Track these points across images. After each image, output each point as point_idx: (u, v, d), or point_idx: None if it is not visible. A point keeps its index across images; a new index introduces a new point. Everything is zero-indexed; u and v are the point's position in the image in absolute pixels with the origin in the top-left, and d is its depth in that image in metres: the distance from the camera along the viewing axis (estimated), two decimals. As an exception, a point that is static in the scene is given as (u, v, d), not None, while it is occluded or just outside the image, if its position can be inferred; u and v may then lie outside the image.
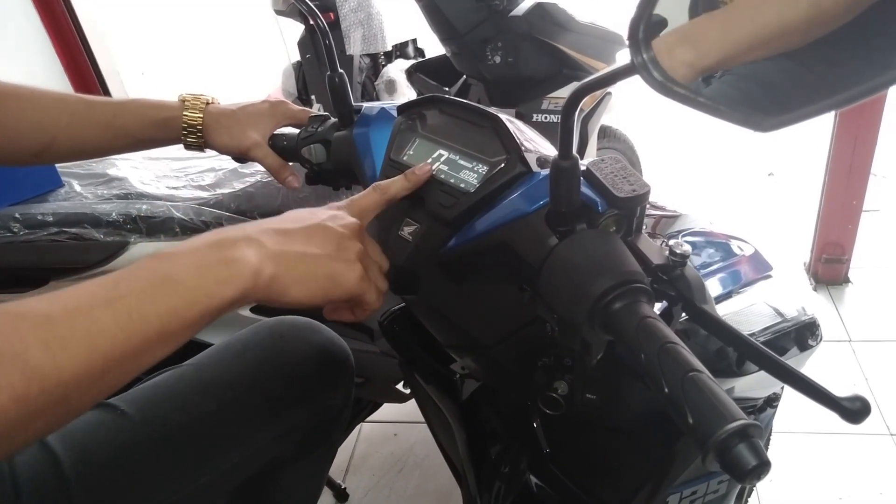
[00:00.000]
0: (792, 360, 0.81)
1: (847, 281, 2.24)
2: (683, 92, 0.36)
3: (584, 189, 0.56)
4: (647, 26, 0.37)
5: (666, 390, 0.44)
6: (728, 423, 0.40)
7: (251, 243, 0.51)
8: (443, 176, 0.66)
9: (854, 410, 0.46)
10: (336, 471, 1.72)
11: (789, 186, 2.88)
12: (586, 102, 1.91)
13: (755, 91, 0.39)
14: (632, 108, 2.72)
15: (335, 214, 0.59)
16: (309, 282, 0.54)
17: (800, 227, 2.38)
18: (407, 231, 0.68)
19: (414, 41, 3.28)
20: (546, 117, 1.88)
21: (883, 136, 1.99)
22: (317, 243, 0.55)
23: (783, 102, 0.35)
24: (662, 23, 0.47)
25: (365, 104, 0.84)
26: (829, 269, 2.24)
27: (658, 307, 0.57)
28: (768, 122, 0.33)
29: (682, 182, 2.97)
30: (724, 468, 0.41)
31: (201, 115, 0.85)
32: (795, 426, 1.66)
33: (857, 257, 2.23)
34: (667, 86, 0.36)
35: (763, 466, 0.40)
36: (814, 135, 2.32)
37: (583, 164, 0.58)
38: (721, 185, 2.95)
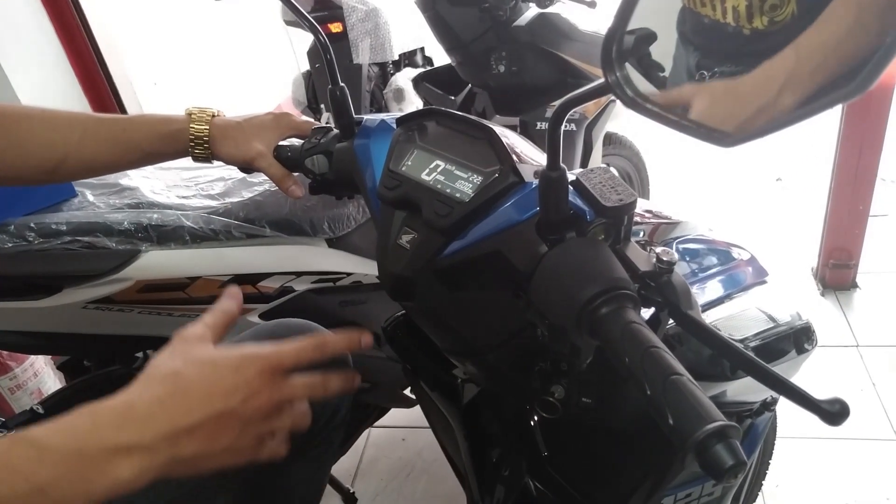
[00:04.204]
0: (787, 363, 0.82)
1: (855, 286, 2.24)
2: (654, 109, 0.38)
3: (574, 199, 0.58)
4: (619, 47, 0.39)
5: (648, 392, 0.46)
6: (706, 424, 0.42)
7: (136, 455, 0.47)
8: (439, 186, 0.68)
9: (833, 413, 0.47)
10: (344, 475, 1.74)
11: (797, 191, 2.88)
12: (590, 109, 1.92)
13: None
14: (637, 115, 2.73)
15: (252, 391, 0.52)
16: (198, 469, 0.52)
17: (807, 232, 2.38)
18: (405, 239, 0.70)
19: (422, 50, 3.32)
20: (550, 125, 1.90)
21: (889, 141, 1.99)
22: (219, 440, 0.51)
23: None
24: (651, 36, 0.48)
25: (366, 116, 0.86)
26: (836, 274, 2.23)
27: (646, 313, 0.59)
28: (731, 138, 0.35)
29: (689, 188, 2.97)
30: (702, 467, 0.42)
31: (208, 128, 0.88)
32: (802, 431, 1.66)
33: (865, 262, 2.22)
34: (637, 102, 0.38)
35: (739, 465, 0.41)
36: (821, 140, 2.32)
37: (573, 174, 0.60)
38: (728, 190, 2.95)
